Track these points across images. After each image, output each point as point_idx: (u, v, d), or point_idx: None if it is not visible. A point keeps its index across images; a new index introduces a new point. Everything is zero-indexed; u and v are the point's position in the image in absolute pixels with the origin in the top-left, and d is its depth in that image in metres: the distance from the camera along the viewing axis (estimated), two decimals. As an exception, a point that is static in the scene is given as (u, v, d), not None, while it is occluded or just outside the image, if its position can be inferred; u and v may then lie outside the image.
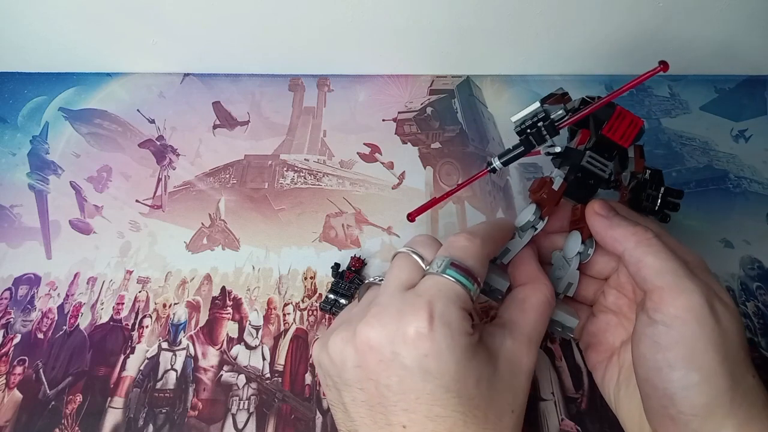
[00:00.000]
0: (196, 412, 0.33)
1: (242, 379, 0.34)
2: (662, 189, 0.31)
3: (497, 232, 0.29)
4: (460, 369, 0.24)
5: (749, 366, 0.26)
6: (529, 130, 0.29)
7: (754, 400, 0.25)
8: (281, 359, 0.35)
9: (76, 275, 0.39)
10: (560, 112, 0.31)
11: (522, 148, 0.30)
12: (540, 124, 0.29)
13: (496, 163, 0.31)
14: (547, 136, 0.29)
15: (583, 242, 0.31)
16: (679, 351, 0.25)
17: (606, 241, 0.29)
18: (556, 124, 0.30)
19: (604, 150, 0.30)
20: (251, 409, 0.33)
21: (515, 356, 0.26)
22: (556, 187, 0.30)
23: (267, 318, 0.37)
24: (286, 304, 0.38)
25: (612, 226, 0.29)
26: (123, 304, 0.38)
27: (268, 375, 0.35)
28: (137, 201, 0.43)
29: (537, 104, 0.30)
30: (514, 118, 0.31)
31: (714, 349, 0.25)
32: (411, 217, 0.34)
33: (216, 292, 0.38)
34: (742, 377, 0.25)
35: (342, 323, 0.27)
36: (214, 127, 0.47)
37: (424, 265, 0.27)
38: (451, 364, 0.24)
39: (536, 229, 0.31)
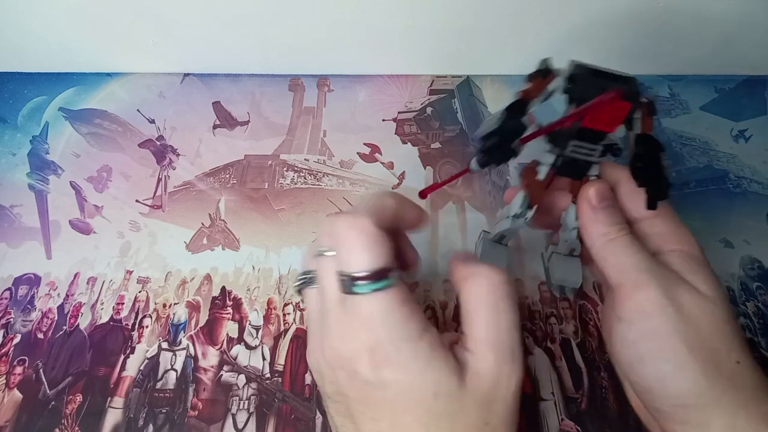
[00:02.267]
0: (196, 412, 0.33)
1: (242, 379, 0.34)
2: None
3: (386, 200, 0.27)
4: (414, 380, 0.23)
5: (733, 350, 0.25)
6: (490, 153, 0.27)
7: (741, 386, 0.24)
8: (281, 359, 0.35)
9: (76, 275, 0.39)
10: (527, 127, 0.28)
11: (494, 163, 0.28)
12: (496, 149, 0.27)
13: (473, 164, 0.28)
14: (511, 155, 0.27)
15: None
16: (646, 345, 0.25)
17: (583, 232, 0.29)
18: (517, 144, 0.27)
19: (590, 136, 0.27)
20: (251, 409, 0.33)
21: (475, 369, 0.24)
22: (541, 176, 0.29)
23: (267, 318, 0.37)
24: (286, 304, 0.38)
25: (592, 220, 0.28)
26: (123, 304, 0.38)
27: (268, 375, 0.35)
28: (137, 201, 0.43)
29: (501, 115, 0.27)
30: (477, 134, 0.28)
31: (680, 339, 0.25)
32: (423, 194, 0.31)
33: (216, 292, 0.38)
34: (722, 363, 0.24)
35: (312, 334, 0.26)
36: (214, 127, 0.47)
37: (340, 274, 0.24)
38: (403, 377, 0.23)
39: (526, 218, 0.29)
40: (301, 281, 0.27)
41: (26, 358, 0.35)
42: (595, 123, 0.26)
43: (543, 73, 0.28)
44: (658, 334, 0.25)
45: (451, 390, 0.23)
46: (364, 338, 0.23)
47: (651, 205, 0.28)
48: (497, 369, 0.24)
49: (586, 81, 0.27)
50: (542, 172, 0.29)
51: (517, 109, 0.27)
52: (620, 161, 0.29)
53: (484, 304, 0.25)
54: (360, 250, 0.23)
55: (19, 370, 0.35)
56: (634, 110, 0.27)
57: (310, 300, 0.27)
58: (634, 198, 0.29)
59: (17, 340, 0.36)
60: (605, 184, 0.29)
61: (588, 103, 0.25)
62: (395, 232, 0.27)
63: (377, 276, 0.23)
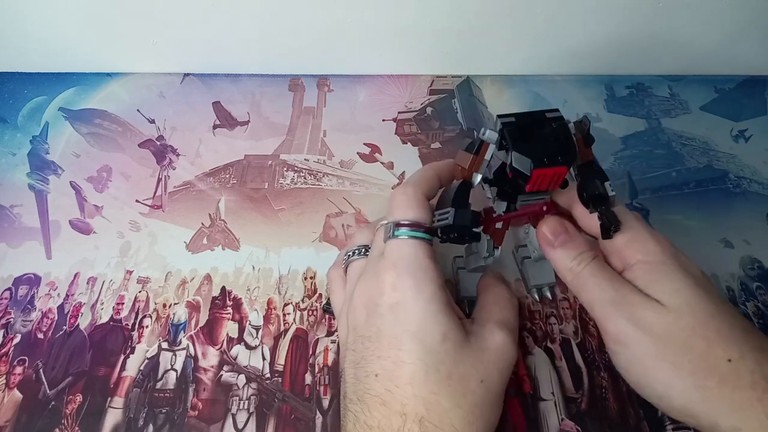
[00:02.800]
0: (196, 412, 0.33)
1: (242, 379, 0.34)
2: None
3: (427, 171, 0.32)
4: (426, 318, 0.26)
5: (721, 349, 0.25)
6: (449, 235, 0.29)
7: (738, 384, 0.24)
8: (281, 359, 0.35)
9: (76, 275, 0.39)
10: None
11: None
12: (454, 236, 0.29)
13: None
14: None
15: None
16: (636, 370, 0.27)
17: (553, 265, 0.31)
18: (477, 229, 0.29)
19: (536, 192, 0.28)
20: (251, 409, 0.33)
21: (482, 335, 0.28)
22: (499, 226, 0.32)
23: (267, 318, 0.37)
24: (286, 304, 0.38)
25: (554, 259, 0.30)
26: (123, 304, 0.38)
27: (268, 375, 0.35)
28: (137, 201, 0.43)
29: (450, 211, 0.29)
30: (435, 226, 0.30)
31: (661, 361, 0.26)
32: None
33: (216, 292, 0.38)
34: (713, 367, 0.25)
35: (348, 292, 0.31)
36: (214, 127, 0.47)
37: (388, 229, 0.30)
38: (417, 312, 0.27)
39: (495, 257, 0.33)
40: (351, 254, 0.33)
41: (26, 358, 0.35)
42: (539, 186, 0.27)
43: (477, 149, 0.29)
44: (640, 361, 0.26)
45: (458, 339, 0.27)
46: (391, 275, 0.28)
47: (605, 234, 0.29)
48: (504, 340, 0.28)
49: (515, 137, 0.27)
50: (498, 209, 0.31)
51: (462, 197, 0.29)
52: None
53: (500, 301, 0.32)
54: (405, 206, 0.30)
55: (19, 370, 0.35)
56: (573, 162, 0.27)
57: (353, 268, 0.32)
58: (588, 217, 0.29)
59: (17, 340, 0.36)
60: (557, 219, 0.30)
61: (521, 211, 0.29)
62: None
63: (415, 225, 0.29)
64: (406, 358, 0.26)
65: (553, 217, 0.30)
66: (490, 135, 0.28)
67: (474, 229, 0.29)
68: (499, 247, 0.33)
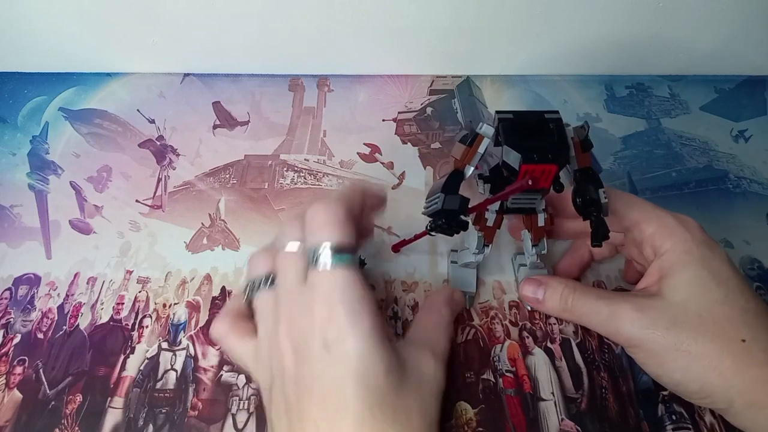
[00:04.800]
0: (196, 412, 0.33)
1: (242, 379, 0.34)
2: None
3: (352, 188, 0.30)
4: (368, 354, 0.24)
5: (736, 329, 0.26)
6: (438, 224, 0.29)
7: (750, 362, 0.26)
8: (281, 359, 0.35)
9: (76, 275, 0.39)
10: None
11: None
12: (443, 224, 0.28)
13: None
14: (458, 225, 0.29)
15: (534, 245, 0.33)
16: (653, 363, 0.29)
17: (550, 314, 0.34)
18: (465, 217, 0.29)
19: (527, 190, 0.28)
20: (251, 409, 0.33)
21: (418, 363, 0.27)
22: (490, 223, 0.32)
23: (267, 318, 0.37)
24: (286, 304, 0.38)
25: (545, 308, 0.33)
26: (123, 304, 0.38)
27: (268, 375, 0.35)
28: (137, 201, 0.43)
29: (440, 197, 0.29)
30: (424, 213, 0.31)
31: (675, 348, 0.27)
32: (394, 248, 0.38)
33: (216, 292, 0.38)
34: (726, 347, 0.26)
35: (262, 331, 0.28)
36: (214, 127, 0.47)
37: (304, 254, 0.27)
38: (357, 349, 0.24)
39: (485, 254, 0.34)
40: (250, 287, 0.29)
41: (26, 358, 0.35)
42: (532, 185, 0.27)
43: (471, 142, 0.29)
44: (656, 355, 0.28)
45: (398, 369, 0.25)
46: (322, 312, 0.25)
47: (594, 242, 0.29)
48: (438, 370, 0.28)
49: (508, 135, 0.27)
50: (490, 219, 0.32)
51: (453, 185, 0.29)
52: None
53: (438, 327, 0.31)
54: (328, 226, 0.26)
55: (19, 370, 0.35)
56: (564, 163, 0.27)
57: (264, 302, 0.28)
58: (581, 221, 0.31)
59: (17, 340, 0.36)
60: (529, 279, 0.33)
61: (504, 191, 0.28)
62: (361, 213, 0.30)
63: (342, 249, 0.26)
64: (350, 402, 0.23)
65: (526, 279, 0.33)
66: (486, 129, 0.29)
67: (462, 217, 0.29)
68: (489, 246, 0.33)
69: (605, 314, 0.29)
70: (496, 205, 0.31)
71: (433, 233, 0.30)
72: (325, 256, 0.25)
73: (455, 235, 0.29)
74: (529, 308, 0.36)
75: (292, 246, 0.27)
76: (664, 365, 0.28)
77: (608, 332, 0.30)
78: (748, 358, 0.26)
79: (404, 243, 0.37)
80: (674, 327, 0.27)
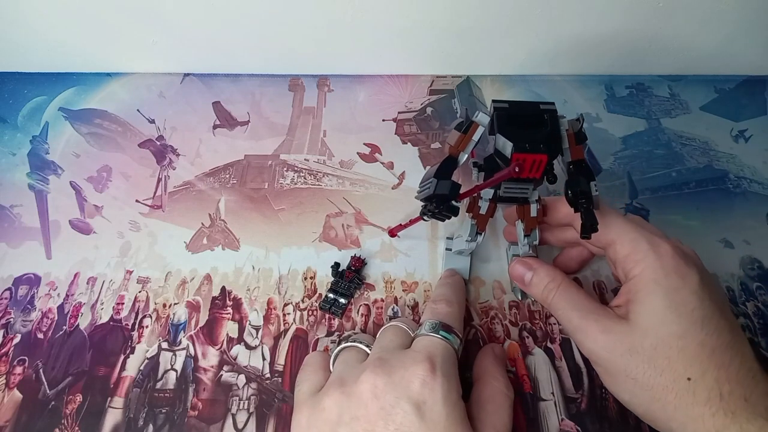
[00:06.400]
0: (196, 412, 0.33)
1: (242, 379, 0.34)
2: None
3: (461, 293, 0.35)
4: (450, 424, 0.26)
5: (684, 368, 0.26)
6: (429, 209, 0.29)
7: (694, 400, 0.26)
8: (281, 359, 0.35)
9: (76, 275, 0.39)
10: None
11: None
12: (434, 208, 0.29)
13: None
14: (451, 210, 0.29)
15: (527, 235, 0.33)
16: (607, 380, 0.30)
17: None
18: (456, 202, 0.29)
19: (520, 178, 0.29)
20: (251, 409, 0.33)
21: None
22: (483, 211, 0.33)
23: (267, 318, 0.37)
24: (286, 304, 0.38)
25: (529, 291, 0.34)
26: (123, 304, 0.38)
27: (268, 375, 0.35)
28: (137, 201, 0.43)
29: (432, 182, 0.29)
30: (417, 197, 0.31)
31: (625, 374, 0.28)
32: (391, 233, 0.39)
33: (216, 292, 0.38)
34: (671, 385, 0.27)
35: (332, 384, 0.28)
36: (214, 127, 0.47)
37: (411, 334, 0.31)
38: (444, 418, 0.25)
39: (477, 242, 0.34)
40: (346, 343, 0.32)
41: (26, 358, 0.35)
42: (519, 173, 0.27)
43: (465, 129, 0.29)
44: (609, 374, 0.29)
45: None
46: (424, 369, 0.27)
47: (583, 235, 0.29)
48: None
49: (502, 124, 0.28)
50: (483, 207, 0.32)
51: (446, 170, 0.29)
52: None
53: (496, 398, 0.31)
54: (449, 314, 0.31)
55: (19, 370, 0.35)
56: (555, 154, 0.28)
57: (348, 354, 0.31)
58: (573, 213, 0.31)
59: (17, 340, 0.36)
60: (520, 260, 0.34)
61: (493, 177, 0.28)
62: None
63: (454, 332, 0.30)
64: None
65: (518, 259, 0.34)
66: (482, 118, 0.29)
67: (453, 202, 0.29)
68: (482, 234, 0.34)
69: (574, 324, 0.30)
70: (490, 194, 0.32)
71: (425, 218, 0.30)
72: (437, 327, 0.30)
73: (446, 220, 0.30)
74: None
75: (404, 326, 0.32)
76: (616, 385, 0.29)
77: (574, 340, 0.32)
78: (691, 397, 0.26)
79: (401, 227, 0.38)
80: (629, 355, 0.28)
